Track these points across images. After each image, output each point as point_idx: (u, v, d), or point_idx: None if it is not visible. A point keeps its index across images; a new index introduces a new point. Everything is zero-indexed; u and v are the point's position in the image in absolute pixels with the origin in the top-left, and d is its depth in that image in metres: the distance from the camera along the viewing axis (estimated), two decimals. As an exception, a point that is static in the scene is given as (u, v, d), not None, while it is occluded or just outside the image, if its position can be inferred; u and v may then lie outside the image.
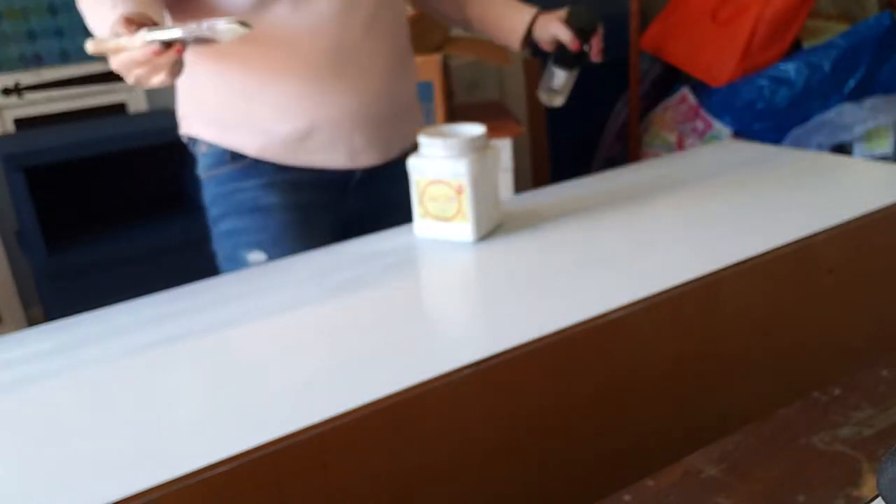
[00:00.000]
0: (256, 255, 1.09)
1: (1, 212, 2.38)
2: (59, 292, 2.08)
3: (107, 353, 0.76)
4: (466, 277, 0.90)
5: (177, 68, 0.85)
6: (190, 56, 1.04)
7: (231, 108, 1.06)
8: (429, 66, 1.92)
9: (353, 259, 0.96)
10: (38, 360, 0.76)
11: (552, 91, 1.22)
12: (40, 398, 0.69)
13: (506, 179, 2.04)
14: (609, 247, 0.91)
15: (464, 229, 0.96)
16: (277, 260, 1.05)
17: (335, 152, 1.08)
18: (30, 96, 2.34)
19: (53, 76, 2.36)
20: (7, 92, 2.32)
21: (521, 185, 2.22)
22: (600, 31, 1.15)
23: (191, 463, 0.55)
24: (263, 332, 0.78)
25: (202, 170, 1.11)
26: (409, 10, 1.25)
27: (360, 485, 0.62)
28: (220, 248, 1.13)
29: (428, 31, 2.01)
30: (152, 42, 0.81)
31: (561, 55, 1.18)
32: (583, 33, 1.13)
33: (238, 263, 1.09)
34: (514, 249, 0.93)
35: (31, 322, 2.38)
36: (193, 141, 1.11)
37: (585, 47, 1.15)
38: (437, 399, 0.64)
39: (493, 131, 1.10)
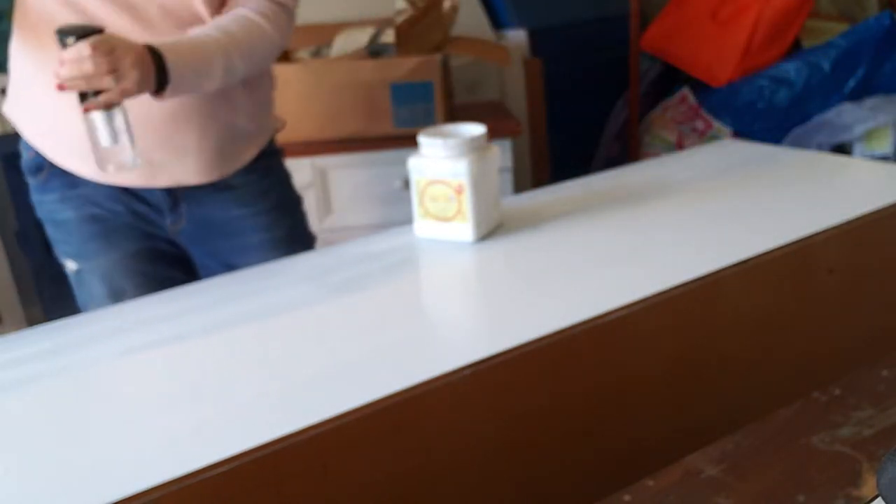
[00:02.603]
0: (70, 264, 1.09)
1: (1, 212, 2.38)
2: (59, 292, 2.07)
3: (107, 353, 0.76)
4: (466, 277, 0.90)
5: None
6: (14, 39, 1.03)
7: (19, 93, 1.05)
8: (429, 66, 1.92)
9: (353, 259, 0.95)
10: (38, 360, 0.76)
11: (98, 149, 0.93)
12: (40, 398, 0.69)
13: (506, 179, 2.04)
14: (609, 247, 0.91)
15: (464, 229, 0.96)
16: (89, 269, 1.08)
17: (80, 161, 1.02)
18: (30, 96, 2.33)
19: (53, 76, 2.36)
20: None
21: (521, 185, 2.22)
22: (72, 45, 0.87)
23: (191, 463, 0.55)
24: (263, 332, 0.78)
25: (22, 171, 1.10)
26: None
27: (360, 485, 0.62)
28: (51, 246, 1.13)
29: (428, 31, 2.01)
30: None
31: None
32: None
33: (62, 264, 1.12)
34: (514, 249, 0.93)
35: (31, 322, 2.38)
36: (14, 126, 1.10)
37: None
38: (437, 399, 0.64)
39: (493, 131, 1.09)
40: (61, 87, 0.87)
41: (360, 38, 2.00)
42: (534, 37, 2.48)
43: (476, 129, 0.98)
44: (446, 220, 0.96)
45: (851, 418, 0.56)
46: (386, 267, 0.91)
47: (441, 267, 0.92)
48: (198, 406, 0.65)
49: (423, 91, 1.93)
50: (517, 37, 2.47)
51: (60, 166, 1.05)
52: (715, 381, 0.84)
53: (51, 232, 1.10)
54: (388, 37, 1.98)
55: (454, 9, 2.09)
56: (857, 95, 2.21)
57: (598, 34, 2.56)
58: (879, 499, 0.45)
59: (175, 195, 1.08)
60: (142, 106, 0.98)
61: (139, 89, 0.90)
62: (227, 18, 1.01)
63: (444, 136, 0.96)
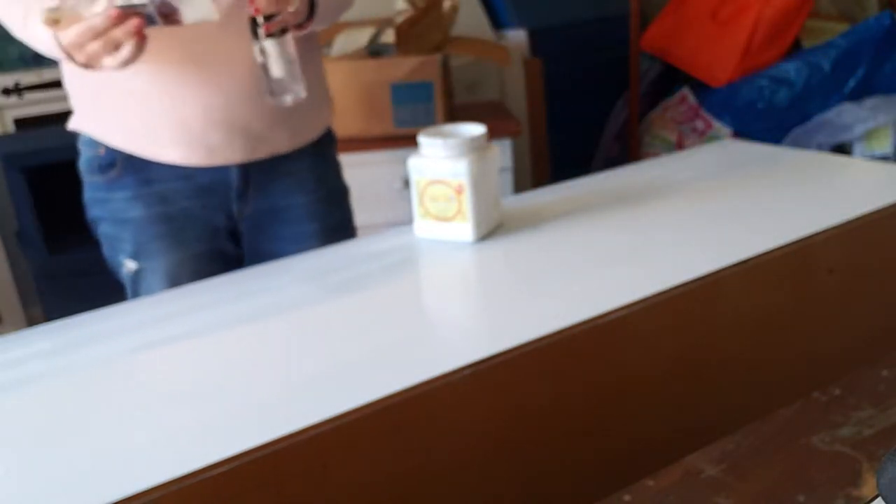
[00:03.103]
0: (130, 264, 1.09)
1: (1, 212, 2.38)
2: (59, 292, 2.07)
3: (107, 353, 0.76)
4: (466, 277, 0.90)
5: (134, 51, 0.82)
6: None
7: (93, 99, 1.05)
8: (429, 66, 1.92)
9: (353, 259, 0.96)
10: (38, 360, 0.76)
11: (273, 81, 0.95)
12: (40, 398, 0.69)
13: (506, 179, 2.04)
14: (609, 247, 0.91)
15: (464, 229, 0.96)
16: (151, 269, 1.07)
17: (189, 148, 1.03)
18: (30, 96, 2.34)
19: (53, 76, 2.36)
20: (7, 92, 2.32)
21: (521, 185, 2.22)
22: None
23: (191, 463, 0.55)
24: (264, 331, 0.78)
25: (80, 170, 1.10)
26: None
27: (360, 485, 0.62)
28: (103, 246, 1.12)
29: (428, 31, 2.01)
30: (114, 6, 0.78)
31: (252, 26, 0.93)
32: None
33: (117, 265, 1.11)
34: (514, 249, 0.93)
35: (31, 322, 2.38)
36: (76, 134, 1.10)
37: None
38: (437, 399, 0.64)
39: (493, 131, 1.09)
40: (257, 10, 0.90)
41: (360, 38, 2.00)
42: (534, 37, 2.48)
43: (476, 129, 0.98)
44: (446, 220, 0.96)
45: (851, 418, 0.56)
46: (386, 267, 0.91)
47: (441, 267, 0.92)
48: (198, 406, 0.65)
49: (423, 91, 1.93)
50: (517, 37, 2.47)
51: (142, 157, 1.04)
52: (715, 381, 0.84)
53: (111, 231, 1.10)
54: (388, 37, 1.98)
55: (454, 9, 2.09)
56: (857, 95, 2.21)
57: (598, 34, 2.56)
58: (879, 499, 0.45)
59: (246, 181, 1.10)
60: (234, 79, 1.01)
61: (305, 16, 0.98)
62: None
63: (444, 136, 0.96)
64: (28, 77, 2.34)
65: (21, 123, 2.35)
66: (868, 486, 0.49)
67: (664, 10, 2.48)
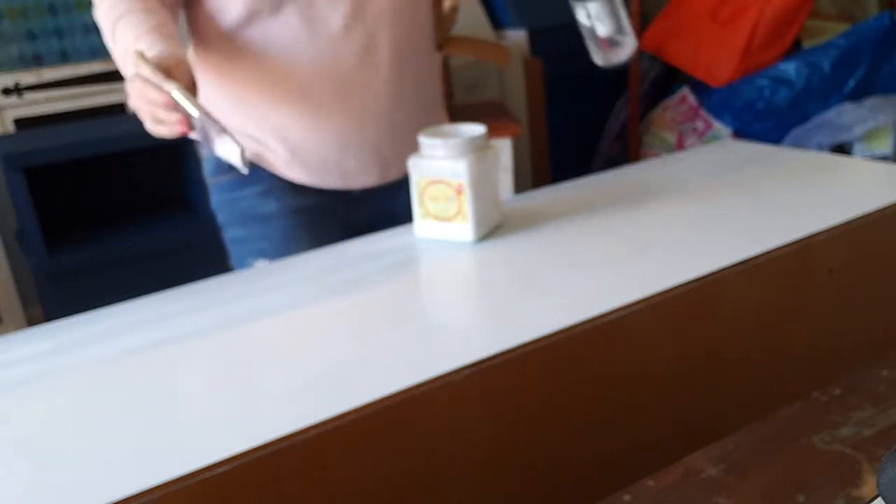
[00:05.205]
0: (262, 264, 1.09)
1: (1, 212, 2.38)
2: (59, 292, 2.07)
3: (107, 353, 0.76)
4: (466, 277, 0.90)
5: (169, 135, 0.86)
6: (197, 65, 1.05)
7: (229, 118, 1.06)
8: (429, 66, 1.91)
9: (353, 259, 0.96)
10: (38, 360, 0.76)
11: (598, 39, 0.82)
12: (40, 398, 0.69)
13: (506, 179, 2.04)
14: (609, 247, 0.91)
15: (464, 229, 0.96)
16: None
17: (325, 174, 1.07)
18: (30, 96, 2.34)
19: (53, 76, 2.36)
20: (7, 92, 2.32)
21: (521, 185, 2.22)
22: None
23: (191, 463, 0.55)
24: (264, 332, 0.78)
25: (206, 175, 1.12)
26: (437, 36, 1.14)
27: (360, 485, 0.62)
28: (231, 253, 1.13)
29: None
30: (173, 98, 0.82)
31: None
32: None
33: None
34: (514, 249, 0.93)
35: (31, 322, 2.38)
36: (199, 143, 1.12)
37: None
38: (437, 399, 0.64)
39: (493, 131, 1.09)
40: None
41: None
42: (534, 37, 2.48)
43: (476, 129, 0.98)
44: (446, 220, 0.96)
45: (851, 418, 0.56)
46: (386, 267, 0.91)
47: (441, 267, 0.92)
48: (197, 406, 0.65)
49: (423, 91, 1.93)
50: (517, 37, 2.48)
51: (279, 175, 1.06)
52: (715, 381, 0.84)
53: (239, 234, 1.10)
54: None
55: (454, 9, 2.09)
56: (857, 95, 2.21)
57: (598, 34, 2.56)
58: (879, 499, 0.45)
59: (362, 193, 1.11)
60: (368, 108, 1.03)
61: None
62: None
63: (444, 136, 0.96)
64: (28, 77, 2.34)
65: (21, 123, 2.36)
66: (868, 486, 0.49)
67: (664, 10, 2.49)
